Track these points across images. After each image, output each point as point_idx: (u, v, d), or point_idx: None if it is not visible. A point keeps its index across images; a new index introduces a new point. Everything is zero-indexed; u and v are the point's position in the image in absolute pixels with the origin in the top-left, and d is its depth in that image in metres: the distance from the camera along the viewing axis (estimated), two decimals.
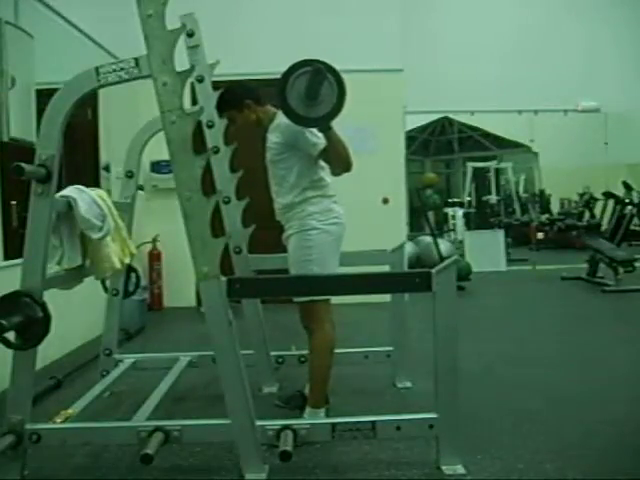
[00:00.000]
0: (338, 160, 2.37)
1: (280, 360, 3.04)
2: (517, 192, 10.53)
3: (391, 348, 3.05)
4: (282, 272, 2.71)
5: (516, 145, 9.99)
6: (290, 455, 1.90)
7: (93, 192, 2.35)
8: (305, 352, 2.82)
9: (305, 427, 2.03)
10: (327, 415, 2.48)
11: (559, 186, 10.25)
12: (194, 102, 3.42)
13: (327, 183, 2.50)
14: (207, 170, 2.19)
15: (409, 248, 6.49)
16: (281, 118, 2.35)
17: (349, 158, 2.37)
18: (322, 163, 2.46)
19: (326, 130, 2.23)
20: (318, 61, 2.02)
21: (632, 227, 7.22)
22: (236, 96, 2.56)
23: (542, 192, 10.54)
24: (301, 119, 1.95)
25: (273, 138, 2.48)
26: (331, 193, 2.52)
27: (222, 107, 2.58)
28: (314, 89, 1.97)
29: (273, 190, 2.59)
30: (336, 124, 2.26)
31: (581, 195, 9.87)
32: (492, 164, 9.88)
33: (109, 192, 3.06)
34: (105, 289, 2.94)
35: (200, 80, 2.69)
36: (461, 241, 8.03)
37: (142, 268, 5.11)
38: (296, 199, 2.45)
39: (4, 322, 1.82)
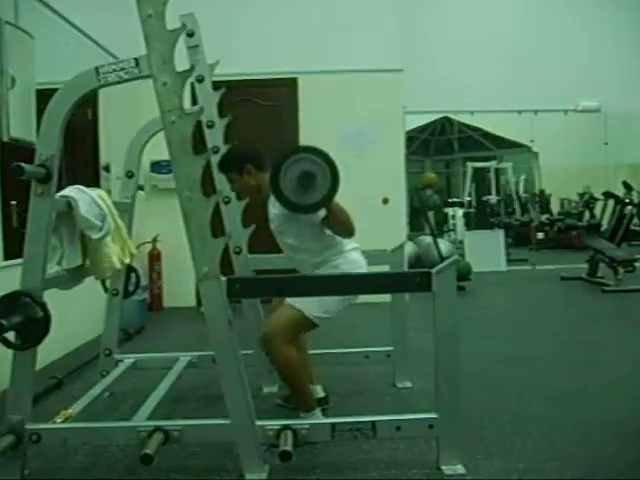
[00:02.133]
0: (339, 227, 2.37)
1: None
2: (517, 192, 10.52)
3: (391, 348, 3.06)
4: (282, 272, 2.72)
5: (516, 145, 9.97)
6: (290, 455, 1.90)
7: (93, 192, 2.35)
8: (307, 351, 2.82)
9: (305, 427, 2.03)
10: (326, 415, 2.48)
11: (559, 186, 10.24)
12: (194, 102, 3.43)
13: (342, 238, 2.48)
14: (207, 170, 2.19)
15: (409, 248, 6.48)
16: None
17: (350, 225, 2.37)
18: None
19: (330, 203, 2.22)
20: (310, 149, 2.00)
21: (632, 227, 7.21)
22: (238, 159, 2.53)
23: (542, 192, 10.53)
24: (295, 207, 1.95)
25: (274, 209, 2.43)
26: (350, 246, 2.50)
27: (224, 167, 2.56)
28: (306, 184, 1.96)
29: (287, 254, 2.59)
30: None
31: (581, 195, 9.86)
32: (492, 164, 9.87)
33: (109, 192, 3.06)
34: (105, 289, 2.95)
35: (200, 80, 2.69)
36: (461, 241, 8.03)
37: (142, 268, 5.11)
38: (317, 259, 2.46)
39: (4, 322, 1.82)
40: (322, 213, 2.26)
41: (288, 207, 2.05)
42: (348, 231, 2.39)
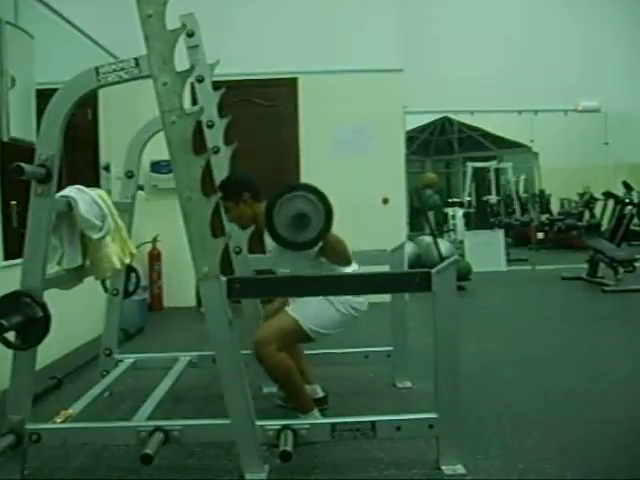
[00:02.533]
0: (336, 258, 2.38)
1: None
2: (517, 192, 10.52)
3: (391, 348, 3.05)
4: None
5: (516, 145, 9.96)
6: (290, 455, 1.90)
7: (93, 192, 2.35)
8: (306, 351, 2.82)
9: (305, 427, 2.03)
10: (326, 415, 2.48)
11: (559, 186, 10.24)
12: (194, 102, 3.43)
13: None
14: (207, 170, 2.19)
15: (409, 248, 6.48)
16: None
17: (347, 255, 2.39)
18: None
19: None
20: (305, 186, 2.00)
21: (632, 227, 7.21)
22: (235, 188, 2.52)
23: (542, 192, 10.53)
24: (289, 244, 1.96)
25: (270, 241, 2.40)
26: (349, 269, 2.49)
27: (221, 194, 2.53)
28: (300, 224, 1.96)
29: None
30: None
31: (581, 195, 9.86)
32: (492, 164, 9.87)
33: (109, 192, 3.06)
34: (105, 289, 2.95)
35: (200, 80, 2.70)
36: (461, 241, 8.03)
37: (142, 268, 5.11)
38: None
39: (4, 322, 1.82)
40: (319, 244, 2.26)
41: (282, 244, 2.05)
42: (345, 260, 2.41)
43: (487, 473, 2.03)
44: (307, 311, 2.39)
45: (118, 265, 2.46)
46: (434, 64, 7.52)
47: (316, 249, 2.26)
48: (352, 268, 2.50)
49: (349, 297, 2.42)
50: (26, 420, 1.98)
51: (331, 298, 2.40)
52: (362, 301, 2.48)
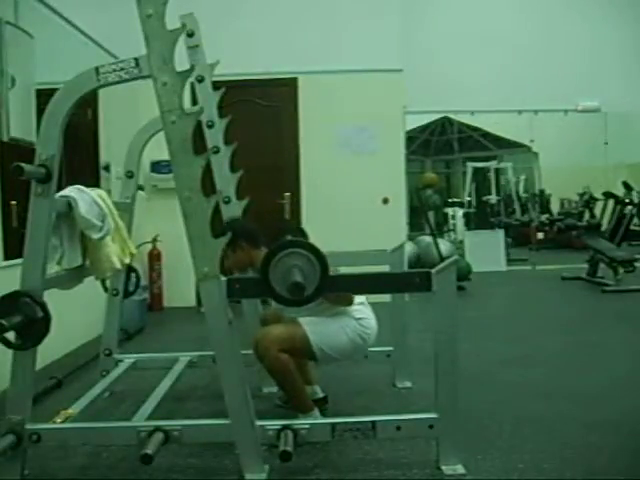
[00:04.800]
0: (337, 300, 2.41)
1: None
2: (517, 192, 10.52)
3: (391, 348, 3.05)
4: None
5: (516, 145, 9.96)
6: (290, 455, 1.90)
7: (93, 192, 2.35)
8: None
9: (305, 427, 2.03)
10: (326, 415, 2.48)
11: (559, 186, 10.23)
12: (194, 102, 3.43)
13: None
14: (207, 170, 2.19)
15: (409, 248, 6.49)
16: None
17: (347, 296, 2.40)
18: None
19: None
20: (299, 243, 2.00)
21: (632, 227, 7.21)
22: (231, 235, 2.52)
23: (542, 192, 10.53)
24: (285, 301, 1.97)
25: None
26: (355, 308, 2.49)
27: None
28: (296, 292, 1.97)
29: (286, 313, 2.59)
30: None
31: (581, 195, 9.86)
32: (492, 164, 9.86)
33: (109, 192, 3.06)
34: (105, 289, 2.95)
35: (200, 80, 2.70)
36: (461, 241, 8.02)
37: (142, 268, 5.11)
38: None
39: (4, 322, 1.82)
40: None
41: (281, 303, 2.05)
42: (347, 301, 2.42)
43: (487, 473, 2.03)
44: (319, 330, 2.40)
45: (118, 265, 2.46)
46: (434, 64, 7.51)
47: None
48: (357, 302, 2.50)
49: (359, 327, 2.45)
50: (26, 420, 1.98)
51: (343, 324, 2.42)
52: (369, 332, 2.49)
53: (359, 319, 2.46)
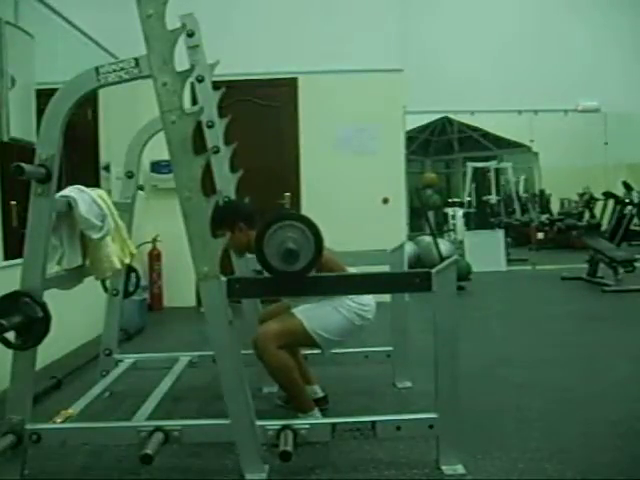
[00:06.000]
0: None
1: None
2: (517, 192, 10.52)
3: (391, 348, 3.05)
4: None
5: (516, 145, 9.97)
6: (290, 455, 1.90)
7: (93, 192, 2.35)
8: (306, 351, 2.83)
9: (305, 427, 2.03)
10: (326, 415, 2.48)
11: (559, 186, 10.24)
12: (194, 102, 3.43)
13: None
14: (207, 170, 2.19)
15: (409, 248, 6.49)
16: None
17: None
18: None
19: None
20: (293, 215, 2.00)
21: (632, 227, 7.21)
22: (228, 216, 2.51)
23: (542, 192, 10.53)
24: (279, 273, 1.97)
25: None
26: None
27: (214, 223, 2.54)
28: (289, 259, 1.97)
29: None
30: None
31: (581, 195, 9.86)
32: (492, 164, 9.87)
33: (109, 192, 3.06)
34: (105, 289, 2.95)
35: (200, 80, 2.70)
36: (461, 241, 8.03)
37: (142, 268, 5.11)
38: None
39: (4, 322, 1.82)
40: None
41: (273, 274, 2.06)
42: None
43: (487, 473, 2.03)
44: (312, 314, 2.39)
45: (118, 265, 2.46)
46: (434, 64, 7.51)
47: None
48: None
49: (354, 304, 2.43)
50: (26, 420, 1.98)
51: (337, 304, 2.41)
52: (367, 309, 2.48)
53: (354, 297, 2.45)
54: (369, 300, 2.53)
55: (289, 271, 1.94)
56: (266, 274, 2.01)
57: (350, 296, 2.44)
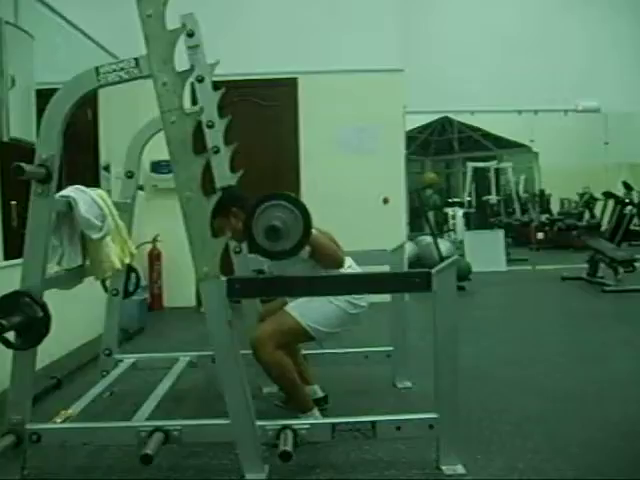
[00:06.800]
0: (327, 262, 2.39)
1: None
2: (517, 192, 10.52)
3: (391, 348, 3.05)
4: None
5: (516, 145, 9.97)
6: (290, 455, 1.90)
7: (93, 192, 2.35)
8: (306, 351, 2.83)
9: (305, 427, 2.03)
10: (326, 415, 2.48)
11: (559, 186, 10.24)
12: (194, 102, 3.43)
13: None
14: (207, 170, 2.19)
15: (409, 248, 6.49)
16: None
17: (337, 258, 2.40)
18: None
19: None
20: (281, 195, 2.01)
21: (632, 227, 7.21)
22: (223, 203, 2.50)
23: (542, 192, 10.53)
24: (268, 253, 1.98)
25: None
26: (344, 267, 2.50)
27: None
28: (274, 237, 1.98)
29: None
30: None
31: (581, 195, 9.86)
32: (492, 164, 9.87)
33: (109, 192, 3.06)
34: (105, 289, 2.94)
35: (200, 80, 2.70)
36: (461, 241, 8.03)
37: (142, 268, 5.11)
38: None
39: (4, 322, 1.82)
40: (308, 248, 2.24)
41: (261, 255, 2.06)
42: (336, 263, 2.40)
43: (487, 473, 2.03)
44: (306, 309, 2.38)
45: (118, 265, 2.46)
46: (434, 64, 7.51)
47: (307, 253, 2.26)
48: (347, 265, 2.51)
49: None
50: (26, 420, 1.98)
51: (329, 296, 2.40)
52: (360, 296, 2.47)
53: (355, 304, 2.44)
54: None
55: (276, 251, 1.95)
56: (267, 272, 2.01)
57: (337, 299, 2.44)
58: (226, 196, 2.54)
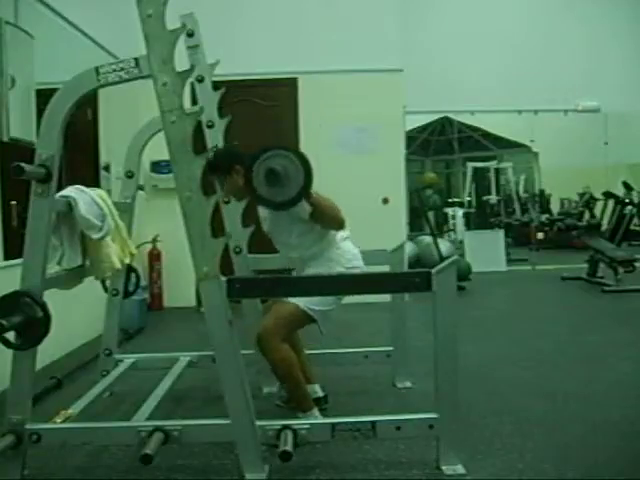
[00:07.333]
0: (327, 221, 2.40)
1: None
2: (517, 192, 10.52)
3: (391, 348, 3.05)
4: (282, 272, 2.72)
5: (516, 145, 9.97)
6: (290, 455, 1.90)
7: (93, 192, 2.35)
8: (307, 351, 2.82)
9: (305, 427, 2.03)
10: (326, 415, 2.48)
11: (559, 186, 10.25)
12: (194, 102, 3.43)
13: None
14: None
15: (409, 248, 6.48)
16: None
17: (338, 217, 2.40)
18: None
19: (307, 198, 2.21)
20: (281, 146, 2.03)
21: (632, 227, 7.21)
22: (223, 161, 2.50)
23: (542, 192, 10.53)
24: (270, 203, 1.99)
25: (262, 209, 2.51)
26: (340, 236, 2.54)
27: (211, 170, 2.48)
28: (274, 181, 2.00)
29: (282, 253, 2.65)
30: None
31: (581, 195, 9.86)
32: (492, 164, 9.87)
33: (109, 192, 3.06)
34: (105, 289, 2.94)
35: (200, 80, 2.70)
36: (461, 241, 8.02)
37: (142, 268, 5.11)
38: (309, 252, 2.50)
39: (4, 322, 1.82)
40: (308, 208, 2.27)
41: (262, 204, 2.08)
42: (337, 223, 2.41)
43: (487, 473, 2.03)
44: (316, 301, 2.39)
45: (118, 265, 2.46)
46: (434, 64, 7.52)
47: (308, 210, 2.27)
48: (343, 235, 2.53)
49: (341, 257, 2.48)
50: (26, 420, 1.98)
51: (321, 270, 2.44)
52: (349, 257, 2.50)
53: (350, 268, 2.48)
54: (350, 248, 2.55)
55: (278, 200, 1.97)
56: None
57: (330, 253, 2.48)
58: (226, 153, 2.56)
